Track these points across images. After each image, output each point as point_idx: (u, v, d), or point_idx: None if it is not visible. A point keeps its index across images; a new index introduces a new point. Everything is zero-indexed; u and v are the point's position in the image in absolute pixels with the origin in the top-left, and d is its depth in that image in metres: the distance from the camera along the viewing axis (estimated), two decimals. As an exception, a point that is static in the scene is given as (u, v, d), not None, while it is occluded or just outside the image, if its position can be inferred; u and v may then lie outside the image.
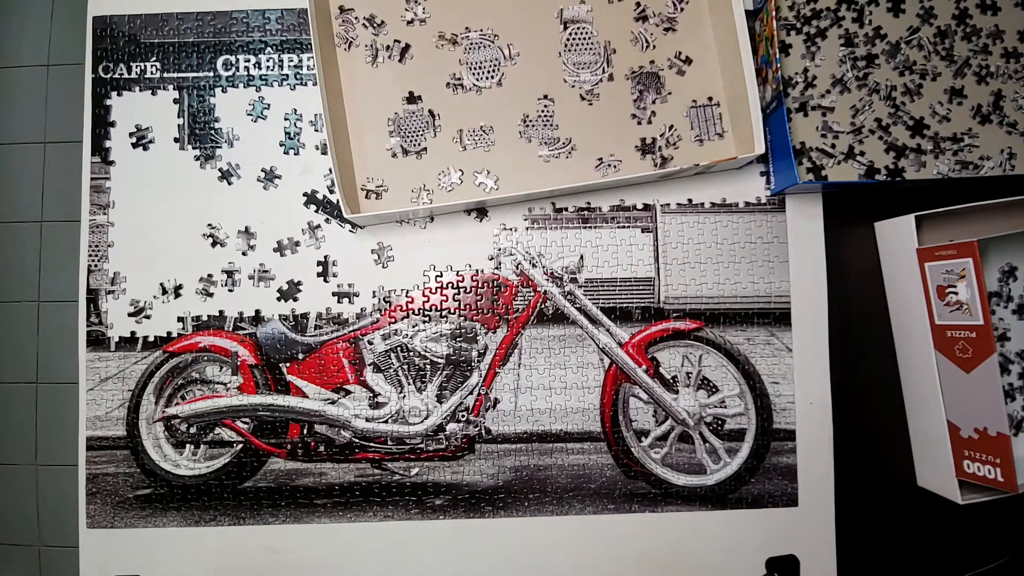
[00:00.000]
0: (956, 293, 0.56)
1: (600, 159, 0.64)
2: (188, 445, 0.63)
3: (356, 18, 0.65)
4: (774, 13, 0.60)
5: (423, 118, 0.64)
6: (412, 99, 0.64)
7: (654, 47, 0.65)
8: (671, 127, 0.64)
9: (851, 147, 0.61)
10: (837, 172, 0.61)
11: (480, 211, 0.65)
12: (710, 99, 0.65)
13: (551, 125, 0.64)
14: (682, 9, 0.65)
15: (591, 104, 0.65)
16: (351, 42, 0.64)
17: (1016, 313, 0.62)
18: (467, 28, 0.64)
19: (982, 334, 0.55)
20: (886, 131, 0.61)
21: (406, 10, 0.65)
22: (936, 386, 0.59)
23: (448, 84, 0.64)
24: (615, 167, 0.64)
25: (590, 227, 0.65)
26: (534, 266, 0.65)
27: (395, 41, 0.64)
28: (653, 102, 0.64)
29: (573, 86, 0.65)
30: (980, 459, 0.57)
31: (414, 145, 0.64)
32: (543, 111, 0.64)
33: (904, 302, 0.63)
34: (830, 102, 0.62)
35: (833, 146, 0.62)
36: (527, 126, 0.64)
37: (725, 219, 0.66)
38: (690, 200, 0.66)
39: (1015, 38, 0.62)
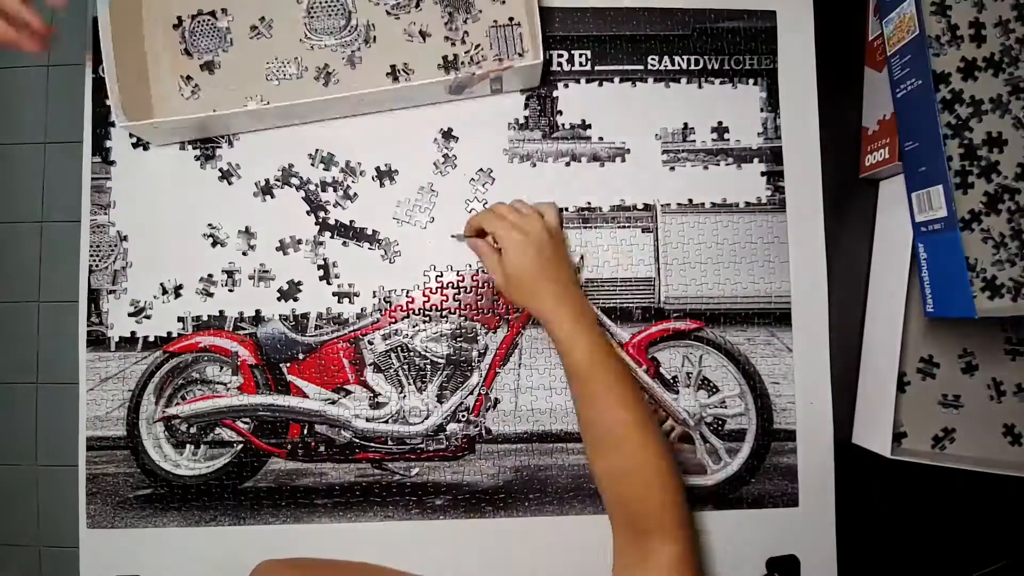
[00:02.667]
0: None
1: (393, 66, 0.64)
2: (188, 445, 0.63)
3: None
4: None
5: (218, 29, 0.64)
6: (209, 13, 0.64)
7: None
8: (477, 46, 0.64)
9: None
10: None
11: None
12: (511, 19, 0.64)
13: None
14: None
15: (398, 19, 0.64)
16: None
17: None
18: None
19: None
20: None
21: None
22: (897, 330, 0.60)
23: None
24: (408, 75, 0.64)
25: (590, 227, 0.65)
26: (534, 266, 0.64)
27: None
28: (464, 22, 0.64)
29: (378, 4, 0.64)
30: (878, 147, 0.62)
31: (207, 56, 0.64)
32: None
33: (889, 249, 0.64)
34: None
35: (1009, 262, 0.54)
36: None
37: (725, 219, 0.66)
38: (691, 200, 0.66)
39: None
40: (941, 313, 0.57)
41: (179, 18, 0.64)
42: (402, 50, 0.64)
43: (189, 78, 0.63)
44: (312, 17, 0.63)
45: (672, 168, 0.66)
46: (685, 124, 0.66)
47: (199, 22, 0.63)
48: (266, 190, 0.64)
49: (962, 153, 0.57)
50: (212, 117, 0.60)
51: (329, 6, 0.63)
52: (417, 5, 0.64)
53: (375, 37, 0.64)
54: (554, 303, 0.57)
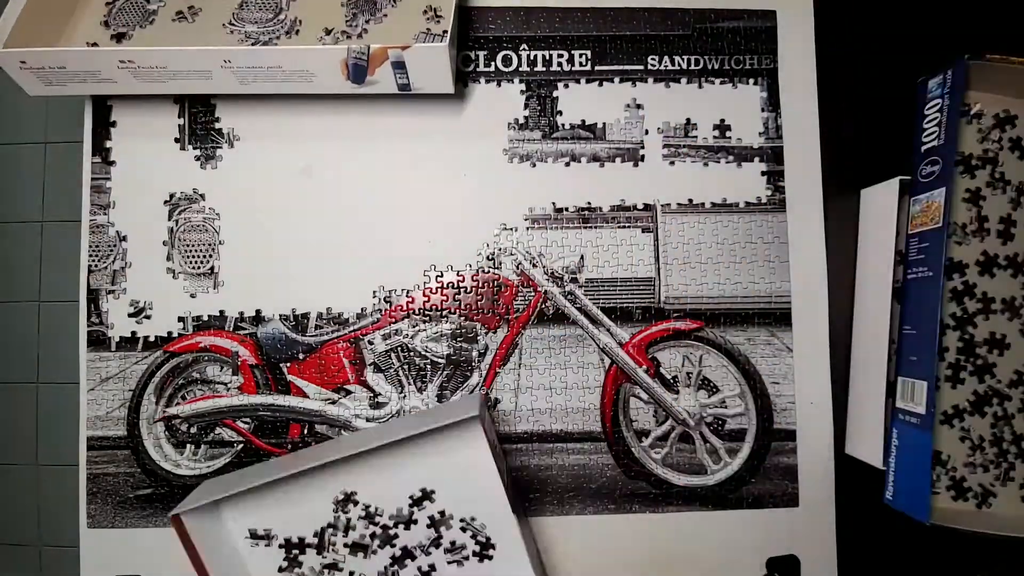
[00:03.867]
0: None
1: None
2: (189, 445, 0.63)
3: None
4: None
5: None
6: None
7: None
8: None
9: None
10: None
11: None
12: (445, 32, 0.60)
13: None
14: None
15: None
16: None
17: None
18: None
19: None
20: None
21: None
22: (884, 340, 0.58)
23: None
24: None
25: (590, 227, 0.65)
26: (534, 266, 0.65)
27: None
28: (367, 22, 0.62)
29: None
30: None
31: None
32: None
33: (873, 262, 0.63)
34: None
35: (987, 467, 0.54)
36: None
37: (726, 219, 0.66)
38: (691, 200, 0.66)
39: None
40: (897, 505, 0.56)
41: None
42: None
43: (95, 44, 0.62)
44: (243, 9, 0.63)
45: (672, 163, 0.66)
46: (687, 120, 0.66)
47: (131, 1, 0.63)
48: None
49: (960, 347, 0.56)
50: (75, 55, 0.56)
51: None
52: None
53: (298, 31, 0.63)
54: None
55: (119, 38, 0.62)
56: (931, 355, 0.53)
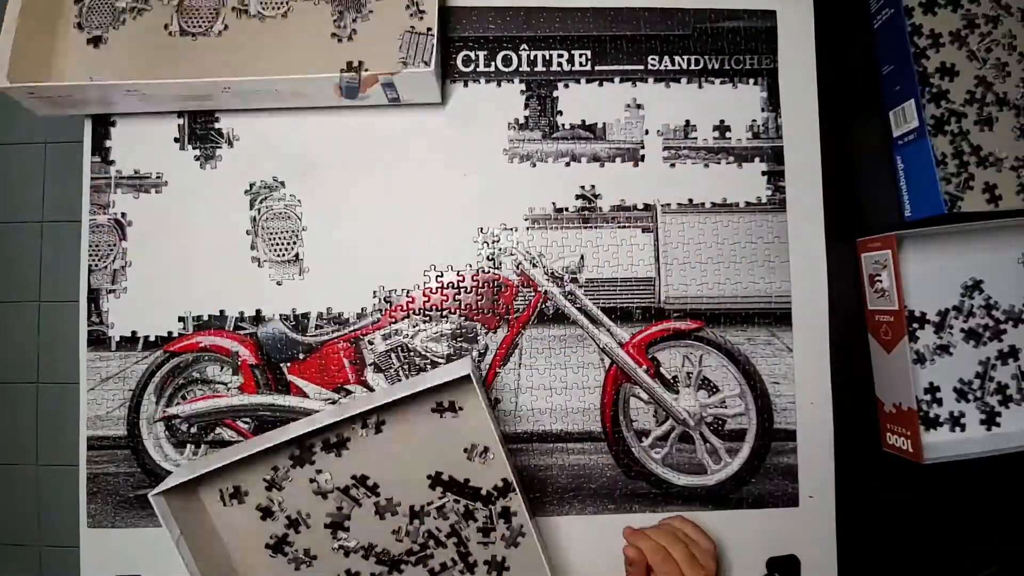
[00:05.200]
0: (881, 281, 0.63)
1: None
2: (189, 445, 0.63)
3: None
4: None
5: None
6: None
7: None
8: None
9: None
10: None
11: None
12: (428, 29, 0.61)
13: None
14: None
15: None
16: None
17: (964, 334, 0.66)
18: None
19: (898, 318, 0.61)
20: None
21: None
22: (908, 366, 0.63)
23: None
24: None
25: (590, 227, 0.65)
26: (534, 266, 0.65)
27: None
28: (354, 20, 0.62)
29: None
30: (897, 431, 0.63)
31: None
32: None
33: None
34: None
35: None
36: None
37: (726, 219, 0.66)
38: (691, 200, 0.66)
39: None
40: (917, 214, 0.64)
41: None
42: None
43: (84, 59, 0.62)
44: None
45: (673, 165, 0.66)
46: (687, 121, 0.66)
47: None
48: (266, 188, 0.64)
49: (917, 78, 0.63)
50: (83, 88, 0.58)
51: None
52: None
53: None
54: None
55: (95, 42, 0.62)
56: (911, 76, 0.62)
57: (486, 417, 0.56)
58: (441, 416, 0.58)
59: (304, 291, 0.64)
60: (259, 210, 0.64)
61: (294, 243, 0.64)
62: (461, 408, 0.58)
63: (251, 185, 0.64)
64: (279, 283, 0.64)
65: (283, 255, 0.64)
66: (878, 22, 0.66)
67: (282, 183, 0.65)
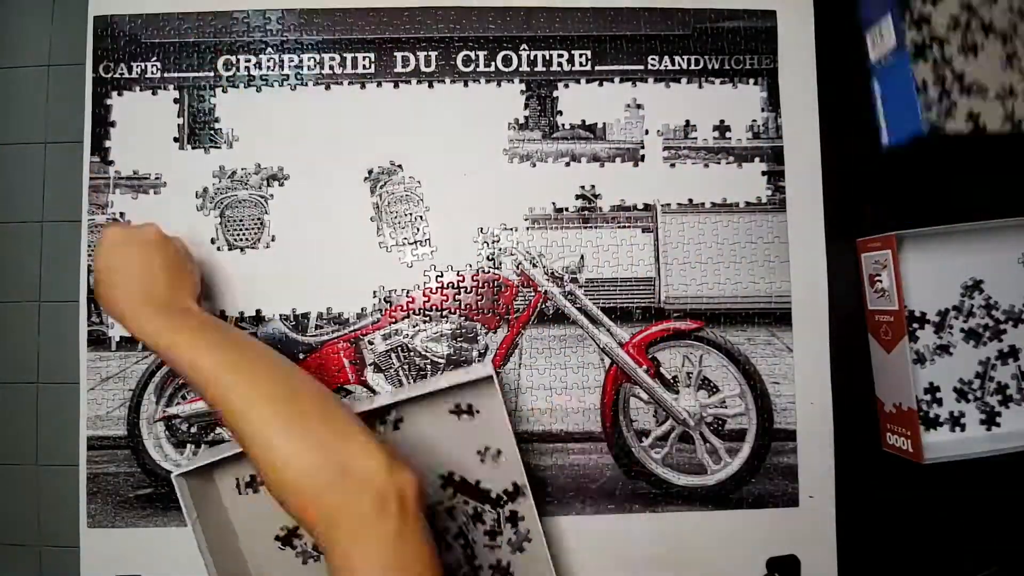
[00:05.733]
0: (881, 281, 0.62)
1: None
2: (189, 445, 0.63)
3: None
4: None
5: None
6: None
7: None
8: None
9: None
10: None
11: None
12: None
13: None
14: None
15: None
16: None
17: (964, 334, 0.66)
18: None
19: (898, 318, 0.61)
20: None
21: None
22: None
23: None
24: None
25: (591, 227, 0.65)
26: (534, 266, 0.65)
27: None
28: None
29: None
30: (897, 431, 0.63)
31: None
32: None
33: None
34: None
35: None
36: None
37: (726, 219, 0.66)
38: (691, 200, 0.66)
39: None
40: (897, 139, 0.61)
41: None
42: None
43: None
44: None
45: (673, 165, 0.66)
46: (687, 121, 0.66)
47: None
48: (269, 184, 0.65)
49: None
50: None
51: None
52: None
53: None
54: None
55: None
56: None
57: (504, 419, 0.56)
58: (459, 418, 0.58)
59: (304, 291, 0.64)
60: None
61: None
62: (478, 411, 0.59)
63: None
64: (279, 283, 0.64)
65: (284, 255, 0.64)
66: None
67: (287, 175, 0.65)
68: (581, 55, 0.66)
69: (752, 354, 0.65)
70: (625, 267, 0.65)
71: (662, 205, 0.66)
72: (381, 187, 0.64)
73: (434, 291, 0.64)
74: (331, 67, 0.65)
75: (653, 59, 0.67)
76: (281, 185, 0.64)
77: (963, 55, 0.60)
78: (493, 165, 0.65)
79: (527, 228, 0.65)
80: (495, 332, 0.64)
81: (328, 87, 0.65)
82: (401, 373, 0.64)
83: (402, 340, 0.64)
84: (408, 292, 0.64)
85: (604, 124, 0.66)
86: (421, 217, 0.64)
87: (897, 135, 0.61)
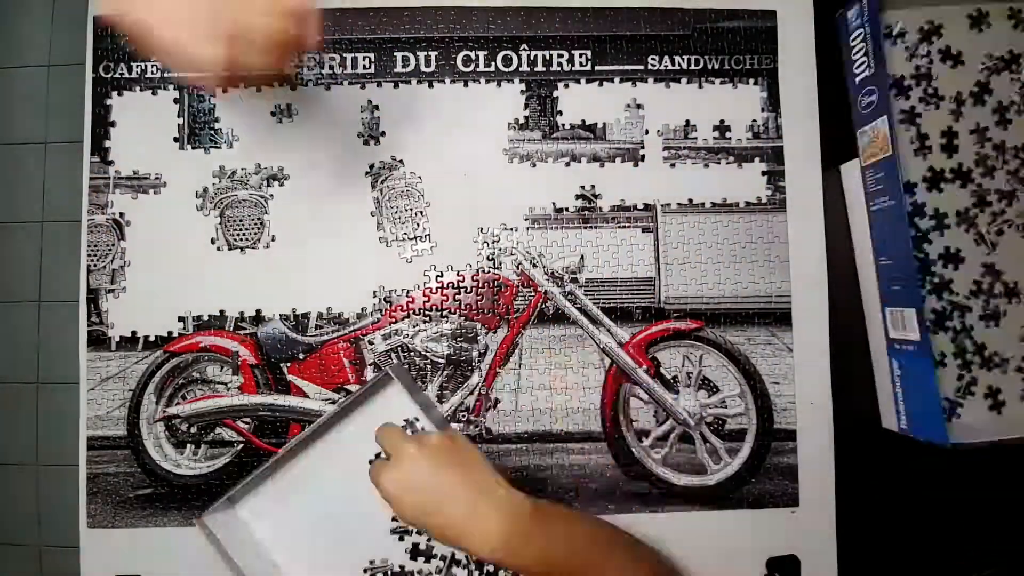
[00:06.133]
0: None
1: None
2: (189, 445, 0.63)
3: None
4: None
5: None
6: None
7: None
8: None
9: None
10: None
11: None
12: None
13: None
14: None
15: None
16: None
17: None
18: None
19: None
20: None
21: None
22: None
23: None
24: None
25: (591, 227, 0.65)
26: (534, 266, 0.65)
27: None
28: None
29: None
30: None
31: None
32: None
33: (863, 245, 0.63)
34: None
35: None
36: None
37: (726, 219, 0.66)
38: (691, 200, 0.66)
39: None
40: (917, 434, 0.57)
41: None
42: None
43: None
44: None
45: (673, 165, 0.66)
46: (687, 121, 0.66)
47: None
48: (269, 184, 0.65)
49: (917, 267, 0.56)
50: None
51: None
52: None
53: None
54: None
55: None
56: (913, 280, 0.54)
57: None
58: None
59: (304, 291, 0.64)
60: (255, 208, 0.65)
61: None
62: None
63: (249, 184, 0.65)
64: (280, 282, 0.64)
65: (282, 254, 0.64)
66: (875, 206, 0.58)
67: (287, 175, 0.65)
68: (581, 55, 0.66)
69: (752, 354, 0.65)
70: (625, 267, 0.65)
71: (662, 205, 0.66)
72: (382, 182, 0.64)
73: (434, 291, 0.64)
74: (331, 67, 0.65)
75: (653, 59, 0.67)
76: (281, 185, 0.65)
77: (984, 324, 0.56)
78: (493, 165, 0.65)
79: (527, 228, 0.65)
80: (495, 332, 0.64)
81: (328, 87, 0.65)
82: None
83: (402, 340, 0.64)
84: (408, 292, 0.64)
85: (604, 124, 0.66)
86: (421, 213, 0.65)
87: (919, 432, 0.56)
